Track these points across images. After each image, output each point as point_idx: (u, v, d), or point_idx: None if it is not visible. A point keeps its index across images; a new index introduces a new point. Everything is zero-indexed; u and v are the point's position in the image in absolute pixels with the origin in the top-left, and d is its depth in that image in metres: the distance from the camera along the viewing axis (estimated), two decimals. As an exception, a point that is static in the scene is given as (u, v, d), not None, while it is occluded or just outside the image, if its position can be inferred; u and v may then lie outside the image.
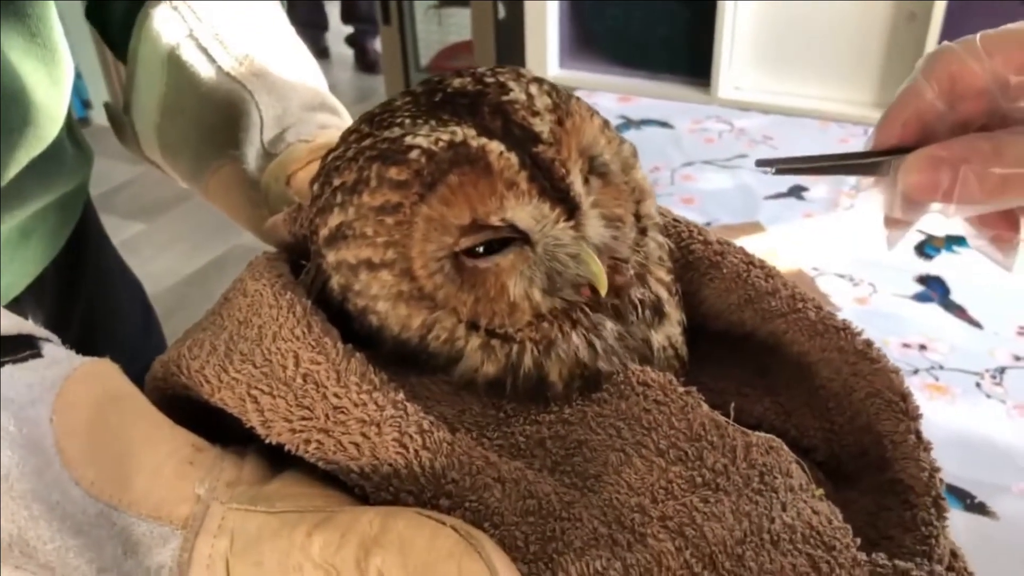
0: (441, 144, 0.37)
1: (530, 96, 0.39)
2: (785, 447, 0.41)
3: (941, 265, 1.09)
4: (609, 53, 2.84)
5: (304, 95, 0.63)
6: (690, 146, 1.44)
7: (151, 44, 0.62)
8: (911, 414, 0.42)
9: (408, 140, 0.38)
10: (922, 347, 0.94)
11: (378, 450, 0.35)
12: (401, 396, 0.36)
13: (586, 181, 0.40)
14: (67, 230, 0.69)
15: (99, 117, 3.50)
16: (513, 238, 0.39)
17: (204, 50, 0.61)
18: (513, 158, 0.37)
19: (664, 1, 2.68)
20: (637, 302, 0.43)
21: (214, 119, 0.61)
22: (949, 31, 2.15)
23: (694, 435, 0.39)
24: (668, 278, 0.45)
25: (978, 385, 0.88)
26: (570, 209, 0.39)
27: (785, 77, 2.53)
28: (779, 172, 0.40)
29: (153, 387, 0.43)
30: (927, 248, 1.12)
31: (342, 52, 4.40)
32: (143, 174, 3.09)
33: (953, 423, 0.83)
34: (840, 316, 0.46)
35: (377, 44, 4.05)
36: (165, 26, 0.61)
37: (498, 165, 0.37)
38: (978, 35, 0.37)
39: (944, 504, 0.41)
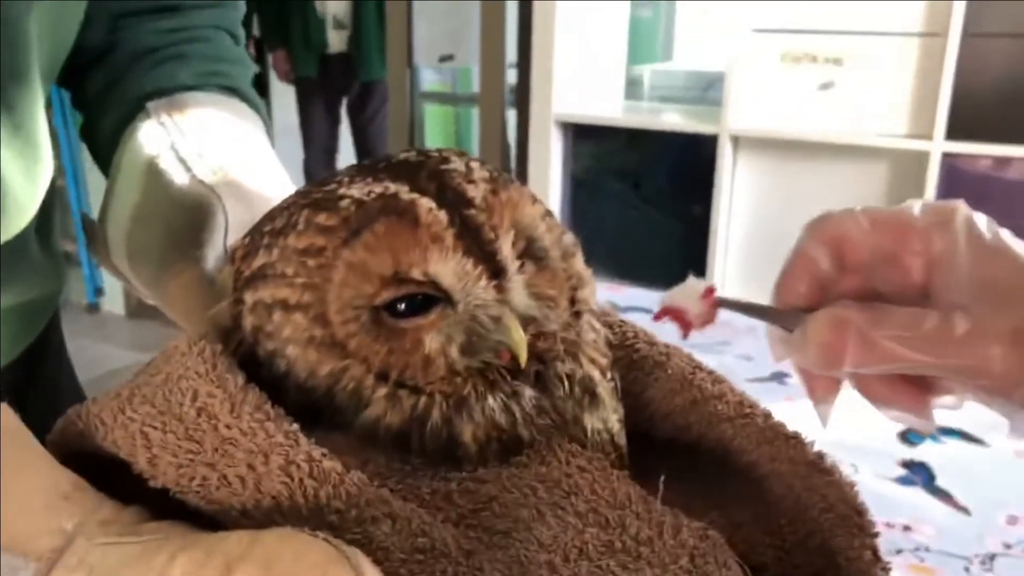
0: (372, 195, 0.38)
1: (469, 168, 0.40)
2: (723, 541, 0.38)
3: (926, 452, 1.05)
4: (601, 264, 2.94)
5: None
6: (674, 330, 1.44)
7: (133, 154, 0.64)
8: (867, 530, 0.40)
9: (341, 191, 0.38)
10: (906, 528, 0.89)
11: (263, 482, 0.33)
12: (295, 427, 0.34)
13: (521, 263, 0.40)
14: (24, 341, 0.68)
15: (109, 304, 3.59)
16: (435, 297, 0.38)
17: (183, 161, 0.63)
18: (442, 215, 0.37)
19: (659, 216, 2.81)
20: (564, 376, 0.41)
21: (181, 222, 0.62)
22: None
23: (618, 503, 0.36)
24: (603, 361, 0.44)
25: (967, 570, 0.82)
26: (495, 271, 0.38)
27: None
28: (721, 306, 0.43)
29: (50, 443, 0.41)
30: (911, 436, 1.09)
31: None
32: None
33: (941, 607, 0.77)
34: None
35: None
36: (148, 138, 0.64)
37: (426, 219, 0.37)
38: (859, 208, 0.37)
39: None
